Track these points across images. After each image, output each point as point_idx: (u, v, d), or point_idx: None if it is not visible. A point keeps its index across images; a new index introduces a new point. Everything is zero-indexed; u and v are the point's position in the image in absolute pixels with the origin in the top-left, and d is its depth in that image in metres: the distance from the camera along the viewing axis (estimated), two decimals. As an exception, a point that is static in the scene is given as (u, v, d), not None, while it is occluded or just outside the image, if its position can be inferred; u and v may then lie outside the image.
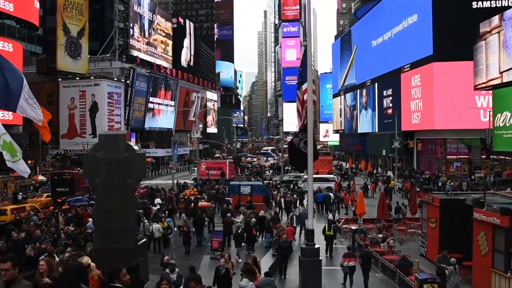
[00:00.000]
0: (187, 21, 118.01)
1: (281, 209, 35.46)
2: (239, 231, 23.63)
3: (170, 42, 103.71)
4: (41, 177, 51.53)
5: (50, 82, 69.65)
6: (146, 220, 25.74)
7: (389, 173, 60.73)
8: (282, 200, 36.15)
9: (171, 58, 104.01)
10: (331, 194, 38.10)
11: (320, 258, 16.79)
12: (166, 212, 31.07)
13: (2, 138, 11.75)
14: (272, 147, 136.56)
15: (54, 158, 66.20)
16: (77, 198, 36.49)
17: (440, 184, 46.90)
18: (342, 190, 43.32)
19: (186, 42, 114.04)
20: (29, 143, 58.15)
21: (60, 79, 71.06)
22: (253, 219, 26.43)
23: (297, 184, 47.86)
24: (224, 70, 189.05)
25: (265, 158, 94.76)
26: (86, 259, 11.91)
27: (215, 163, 61.08)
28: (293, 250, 20.86)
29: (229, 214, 27.21)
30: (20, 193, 45.83)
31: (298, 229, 27.65)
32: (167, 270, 14.80)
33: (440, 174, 53.73)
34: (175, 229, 27.12)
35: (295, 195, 39.70)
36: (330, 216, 27.94)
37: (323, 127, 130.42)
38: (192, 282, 11.03)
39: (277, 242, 22.40)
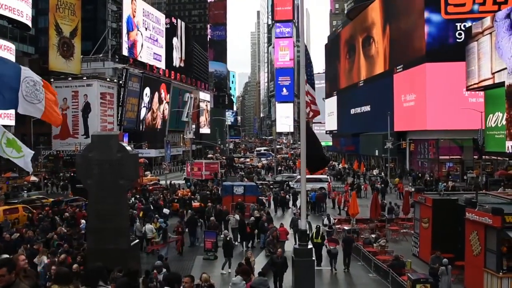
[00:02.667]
0: (179, 21, 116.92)
1: (276, 206, 35.80)
2: (227, 238, 22.02)
3: (163, 43, 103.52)
4: (33, 178, 51.26)
5: (42, 82, 69.26)
6: (137, 221, 25.67)
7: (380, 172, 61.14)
8: (278, 197, 37.58)
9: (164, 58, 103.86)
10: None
11: (313, 258, 16.85)
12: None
13: (5, 136, 11.71)
14: (265, 148, 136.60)
15: (46, 158, 65.90)
16: (74, 198, 36.40)
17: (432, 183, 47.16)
18: (333, 190, 43.41)
19: (175, 41, 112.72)
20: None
21: (52, 80, 70.54)
22: (252, 217, 26.61)
23: (289, 184, 47.97)
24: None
25: (258, 159, 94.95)
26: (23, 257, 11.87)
27: (196, 163, 61.46)
28: (288, 266, 18.64)
29: (212, 218, 26.61)
30: (25, 191, 46.06)
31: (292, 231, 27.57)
32: (155, 271, 14.71)
33: (431, 173, 54.04)
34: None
35: (287, 196, 39.81)
36: (326, 220, 27.49)
37: (315, 128, 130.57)
38: (187, 277, 11.04)
39: (271, 243, 22.44)
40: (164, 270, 14.79)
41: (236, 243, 26.03)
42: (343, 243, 22.24)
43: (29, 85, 11.76)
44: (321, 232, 22.40)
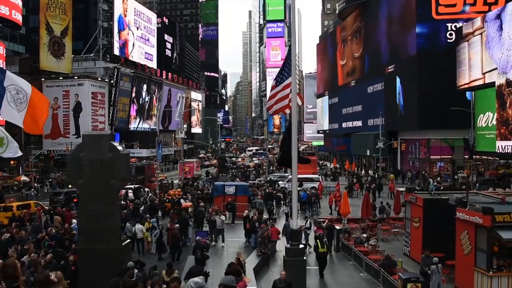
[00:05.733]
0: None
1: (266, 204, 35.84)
2: (198, 253, 19.99)
3: (154, 42, 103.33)
4: (24, 178, 50.99)
5: (33, 82, 67.67)
6: (128, 222, 25.49)
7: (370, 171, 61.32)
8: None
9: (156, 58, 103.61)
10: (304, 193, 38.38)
11: (305, 258, 16.87)
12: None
13: None
14: (256, 147, 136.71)
15: (37, 158, 65.55)
16: None
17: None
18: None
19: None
20: (12, 143, 57.34)
21: (43, 79, 70.33)
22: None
23: (279, 183, 47.98)
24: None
25: (249, 158, 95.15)
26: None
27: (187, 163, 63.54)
28: None
29: (177, 225, 24.13)
30: (32, 190, 46.52)
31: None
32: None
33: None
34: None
35: (278, 194, 39.79)
36: (303, 221, 26.62)
37: (307, 127, 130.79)
38: (175, 282, 11.01)
39: (262, 243, 22.42)
40: (136, 271, 14.44)
41: (222, 244, 25.90)
42: (326, 230, 25.13)
43: (12, 93, 11.76)
44: (325, 242, 21.81)
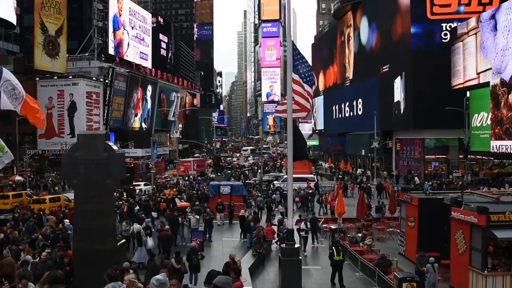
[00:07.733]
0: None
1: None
2: (194, 259, 18.71)
3: (149, 42, 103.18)
4: (18, 177, 50.80)
5: (28, 82, 68.31)
6: (124, 222, 25.39)
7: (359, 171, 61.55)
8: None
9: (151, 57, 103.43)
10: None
11: (300, 257, 16.86)
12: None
13: None
14: (252, 147, 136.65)
15: (31, 158, 65.31)
16: None
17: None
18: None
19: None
20: (6, 143, 57.17)
21: (37, 79, 70.08)
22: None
23: (274, 183, 48.06)
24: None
25: (244, 158, 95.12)
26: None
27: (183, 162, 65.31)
28: None
29: (167, 227, 23.55)
30: (28, 189, 46.58)
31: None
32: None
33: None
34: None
35: (274, 195, 39.80)
36: (303, 225, 25.11)
37: (302, 127, 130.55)
38: (173, 280, 10.98)
39: (258, 242, 22.41)
40: (132, 271, 14.39)
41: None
42: (309, 223, 25.78)
43: (8, 89, 11.78)
44: (341, 249, 20.55)
